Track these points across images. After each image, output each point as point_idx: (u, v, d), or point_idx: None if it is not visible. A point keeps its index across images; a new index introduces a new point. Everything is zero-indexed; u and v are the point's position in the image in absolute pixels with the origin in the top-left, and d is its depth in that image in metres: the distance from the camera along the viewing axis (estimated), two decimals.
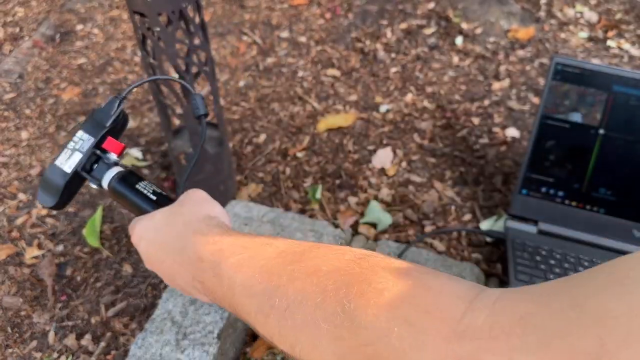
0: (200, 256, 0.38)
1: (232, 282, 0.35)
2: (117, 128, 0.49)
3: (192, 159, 0.50)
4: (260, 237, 0.37)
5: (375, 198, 1.01)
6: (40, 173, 1.12)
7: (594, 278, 0.22)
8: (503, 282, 0.85)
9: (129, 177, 0.47)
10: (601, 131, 0.85)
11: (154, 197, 0.47)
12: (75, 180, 0.47)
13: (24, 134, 1.23)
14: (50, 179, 0.45)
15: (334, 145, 1.15)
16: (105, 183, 0.47)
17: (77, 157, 0.46)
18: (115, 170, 0.47)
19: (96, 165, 0.47)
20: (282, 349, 0.31)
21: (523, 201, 0.90)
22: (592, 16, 1.55)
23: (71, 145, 0.47)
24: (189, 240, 0.40)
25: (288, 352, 0.31)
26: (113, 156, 0.48)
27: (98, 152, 0.47)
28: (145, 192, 0.47)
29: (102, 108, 0.48)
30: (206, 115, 0.52)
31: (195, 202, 0.44)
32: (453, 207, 0.98)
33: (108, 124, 0.47)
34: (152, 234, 0.43)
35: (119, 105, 0.48)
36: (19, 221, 1.02)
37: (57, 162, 0.46)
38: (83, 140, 0.46)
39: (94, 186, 0.48)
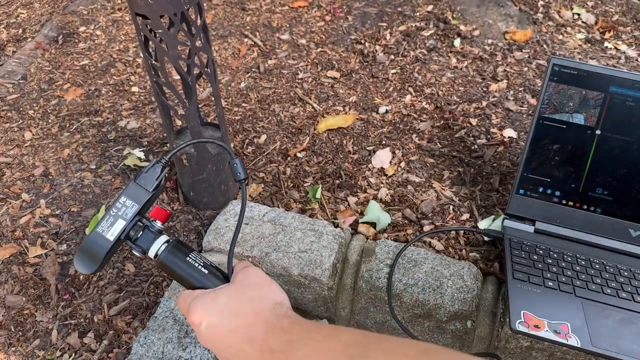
0: (270, 347, 0.39)
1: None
2: (157, 193, 0.48)
3: (235, 232, 0.49)
4: (326, 328, 0.38)
5: (375, 198, 1.02)
6: (43, 173, 1.13)
7: None
8: (501, 281, 0.86)
9: (179, 249, 0.46)
10: (598, 132, 0.86)
11: (206, 271, 0.46)
12: (117, 245, 0.46)
13: (27, 135, 1.24)
14: (91, 246, 0.44)
15: (334, 145, 1.16)
16: (152, 253, 0.46)
17: (121, 224, 0.44)
18: (162, 239, 0.46)
19: (141, 233, 0.46)
20: None
21: (520, 201, 0.91)
22: (590, 18, 1.56)
23: (114, 211, 0.45)
24: (260, 330, 0.41)
25: None
26: (158, 224, 0.47)
27: (142, 219, 0.46)
28: (197, 265, 0.46)
29: (145, 173, 0.47)
30: (246, 178, 0.52)
31: (258, 285, 0.45)
32: (451, 207, 0.99)
33: (151, 189, 0.46)
34: (217, 319, 0.42)
35: (162, 170, 0.47)
36: (22, 221, 1.03)
37: (99, 229, 0.45)
38: (126, 206, 0.45)
39: (137, 254, 0.47)
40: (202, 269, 0.46)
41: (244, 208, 0.49)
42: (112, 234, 0.44)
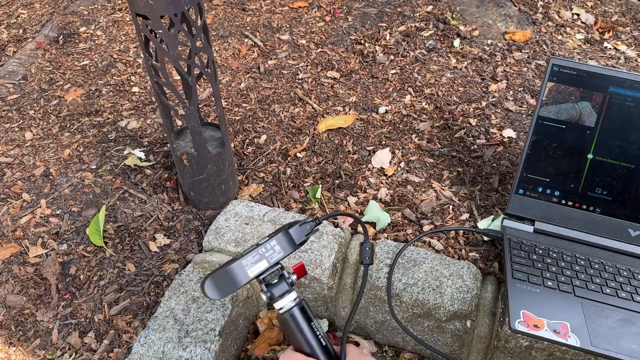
0: None
1: None
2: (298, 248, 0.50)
3: (356, 302, 0.50)
4: None
5: (374, 198, 1.03)
6: (43, 173, 1.14)
7: None
8: (500, 281, 0.86)
9: (306, 312, 0.47)
10: (597, 132, 0.87)
11: (324, 343, 0.46)
12: (250, 281, 0.47)
13: (28, 135, 1.24)
14: (230, 276, 0.45)
15: (334, 145, 1.16)
16: (280, 305, 0.46)
17: (263, 265, 0.46)
18: (293, 296, 0.47)
19: (276, 281, 0.47)
20: None
21: (520, 201, 0.91)
22: (589, 18, 1.56)
23: (262, 251, 0.46)
24: None
25: None
26: (293, 277, 0.48)
27: (282, 268, 0.47)
28: (317, 334, 0.46)
29: (299, 227, 0.48)
30: (371, 264, 0.55)
31: None
32: (451, 207, 0.99)
33: (298, 243, 0.48)
34: None
35: (312, 230, 0.49)
36: (23, 220, 1.03)
37: (244, 262, 0.46)
38: (274, 251, 0.46)
39: (264, 298, 0.47)
40: (322, 339, 0.46)
41: (361, 292, 0.54)
42: (252, 272, 0.45)
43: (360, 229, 0.96)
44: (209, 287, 0.45)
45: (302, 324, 0.46)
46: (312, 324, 0.46)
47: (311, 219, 0.51)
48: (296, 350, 0.46)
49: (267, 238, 0.48)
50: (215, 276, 0.46)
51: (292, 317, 0.46)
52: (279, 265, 0.47)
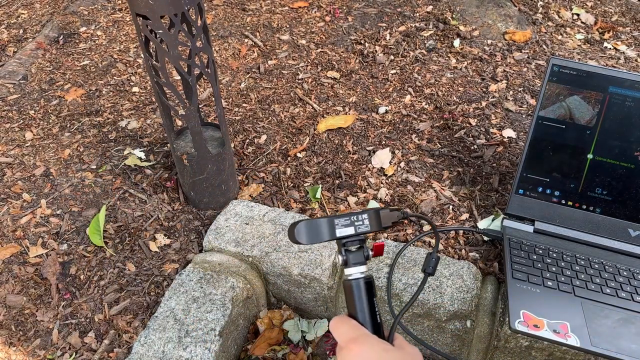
0: None
1: None
2: (378, 230, 0.53)
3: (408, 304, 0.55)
4: None
5: (374, 198, 1.03)
6: (43, 173, 1.14)
7: None
8: (500, 281, 0.86)
9: (372, 286, 0.49)
10: (597, 132, 0.87)
11: (378, 320, 0.49)
12: (332, 240, 0.50)
13: (28, 135, 1.24)
14: (321, 227, 0.49)
15: (334, 145, 1.16)
16: (350, 271, 0.49)
17: (350, 231, 0.49)
18: (365, 268, 0.50)
19: (354, 249, 0.50)
20: None
21: (520, 201, 0.91)
22: (589, 18, 1.56)
23: (353, 218, 0.50)
24: None
25: None
26: (370, 252, 0.51)
27: (364, 240, 0.51)
28: (376, 308, 0.49)
29: (390, 212, 0.52)
30: (431, 274, 0.60)
31: None
32: (451, 207, 0.99)
33: (385, 226, 0.51)
34: None
35: (399, 219, 0.53)
36: (23, 220, 1.03)
37: (336, 221, 0.49)
38: (363, 223, 0.50)
39: (339, 261, 0.50)
40: (377, 317, 0.49)
41: (416, 296, 0.57)
42: (340, 232, 0.49)
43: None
44: (300, 231, 0.48)
45: (363, 295, 0.48)
46: (374, 300, 0.49)
47: (399, 210, 0.55)
48: (350, 316, 0.49)
49: (359, 210, 0.51)
50: (307, 223, 0.49)
51: (357, 286, 0.48)
52: (362, 237, 0.50)
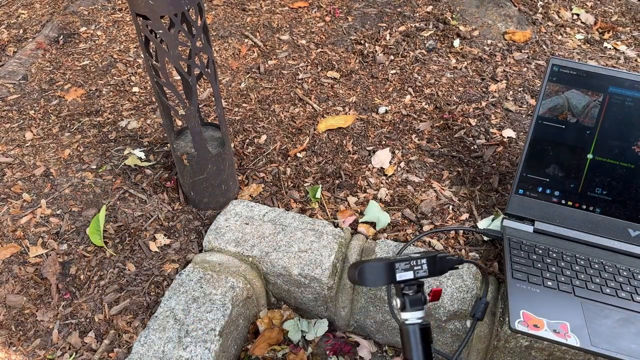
0: None
1: None
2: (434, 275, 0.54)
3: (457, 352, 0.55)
4: None
5: (374, 198, 1.03)
6: (43, 173, 1.14)
7: None
8: (500, 281, 0.86)
9: (429, 332, 0.50)
10: (597, 132, 0.87)
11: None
12: (391, 283, 0.51)
13: (28, 135, 1.24)
14: (384, 271, 0.49)
15: (334, 145, 1.16)
16: (407, 316, 0.50)
17: (409, 275, 0.50)
18: (421, 314, 0.50)
19: (411, 293, 0.50)
20: None
21: (519, 201, 0.91)
22: (589, 18, 1.56)
23: (412, 263, 0.51)
24: None
25: None
26: (427, 297, 0.52)
27: (421, 286, 0.51)
28: (432, 354, 0.50)
29: (447, 259, 0.53)
30: (480, 320, 0.59)
31: None
32: (450, 207, 0.99)
33: (440, 272, 0.52)
34: None
35: (452, 267, 0.53)
36: (23, 220, 1.03)
37: (397, 265, 0.50)
38: (422, 268, 0.50)
39: (395, 304, 0.51)
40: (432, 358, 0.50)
41: (464, 345, 0.58)
42: (400, 276, 0.49)
43: (360, 228, 0.96)
44: (362, 275, 0.49)
45: (419, 342, 0.49)
46: (430, 345, 0.50)
47: (456, 256, 0.55)
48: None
49: (418, 254, 0.52)
50: (369, 267, 0.49)
51: (414, 332, 0.49)
52: (420, 282, 0.51)
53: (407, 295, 0.50)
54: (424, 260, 0.51)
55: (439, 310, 0.82)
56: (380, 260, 0.50)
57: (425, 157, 1.12)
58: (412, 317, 0.50)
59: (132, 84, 1.41)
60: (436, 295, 0.55)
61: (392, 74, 1.38)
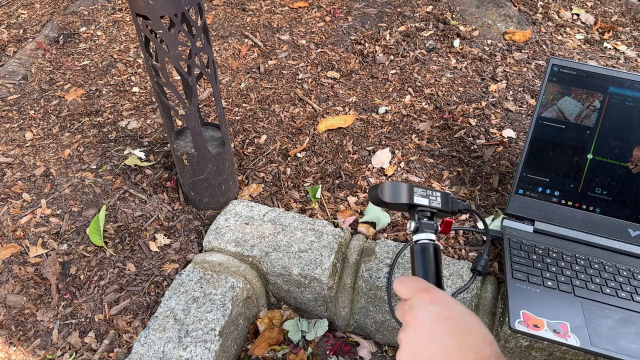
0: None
1: None
2: (447, 215, 0.57)
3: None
4: None
5: None
6: (43, 173, 1.14)
7: None
8: (500, 281, 0.86)
9: (439, 253, 0.52)
10: (597, 132, 0.87)
11: (443, 286, 0.51)
12: (407, 207, 0.54)
13: (28, 135, 1.24)
14: (404, 190, 0.53)
15: (334, 145, 1.16)
16: (420, 237, 0.52)
17: (425, 202, 0.53)
18: (433, 237, 0.53)
19: (425, 219, 0.53)
20: None
21: (519, 201, 0.91)
22: (589, 18, 1.56)
23: (429, 192, 0.55)
24: (468, 347, 0.40)
25: None
26: (438, 227, 0.54)
27: (434, 215, 0.54)
28: (441, 275, 0.51)
29: (457, 201, 0.57)
30: (480, 274, 0.61)
31: (478, 323, 0.44)
32: None
33: (451, 211, 0.55)
34: (443, 327, 0.41)
35: (463, 210, 0.57)
36: (23, 220, 1.03)
37: (415, 189, 0.54)
38: (435, 200, 0.54)
39: (410, 226, 0.53)
40: (442, 281, 0.52)
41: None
42: (417, 200, 0.53)
43: (360, 228, 0.96)
44: (383, 190, 0.52)
45: (432, 259, 0.51)
46: (439, 266, 0.51)
47: (467, 204, 0.59)
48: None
49: (433, 189, 0.56)
50: (391, 184, 0.53)
51: (427, 249, 0.51)
52: (433, 211, 0.54)
53: (421, 220, 0.53)
54: (438, 194, 0.55)
55: None
56: (400, 182, 0.54)
57: (425, 157, 1.12)
58: (426, 237, 0.51)
59: (132, 84, 1.41)
60: (447, 226, 0.57)
61: (392, 74, 1.38)
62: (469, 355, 0.39)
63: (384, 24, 1.57)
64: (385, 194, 0.52)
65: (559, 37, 1.49)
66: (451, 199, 0.56)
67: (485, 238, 0.93)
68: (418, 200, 0.53)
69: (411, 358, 0.41)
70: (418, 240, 0.51)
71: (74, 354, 0.84)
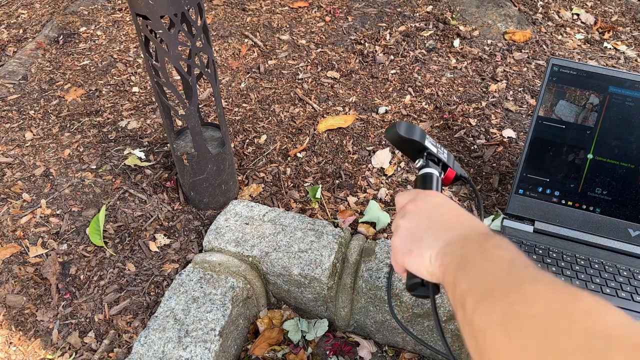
0: (466, 236, 0.41)
1: (492, 256, 0.37)
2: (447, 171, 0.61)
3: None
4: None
5: (374, 198, 1.03)
6: (43, 173, 1.14)
7: None
8: None
9: (441, 184, 0.57)
10: (597, 132, 0.87)
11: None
12: (418, 146, 0.58)
13: (28, 135, 1.24)
14: (418, 131, 0.57)
15: (334, 145, 1.16)
16: (426, 170, 0.57)
17: (434, 149, 0.58)
18: (437, 171, 0.58)
19: (430, 162, 0.58)
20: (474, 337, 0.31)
21: (519, 201, 0.91)
22: (589, 18, 1.56)
23: (438, 145, 0.59)
24: (464, 221, 0.44)
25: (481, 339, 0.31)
26: (442, 174, 0.59)
27: (440, 163, 0.59)
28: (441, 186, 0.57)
29: (462, 169, 0.62)
30: (467, 179, 0.65)
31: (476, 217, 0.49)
32: None
33: (455, 169, 0.59)
34: (442, 209, 0.46)
35: (463, 178, 0.61)
36: (23, 220, 1.03)
37: (427, 136, 0.58)
38: (443, 152, 0.59)
39: (419, 163, 0.58)
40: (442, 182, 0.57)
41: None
42: (428, 143, 0.57)
43: (360, 228, 0.96)
44: (401, 125, 0.56)
45: (433, 184, 0.55)
46: (441, 190, 0.56)
47: (467, 176, 0.63)
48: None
49: (444, 148, 0.59)
50: (408, 123, 0.57)
51: (432, 177, 0.56)
52: (439, 160, 0.58)
53: (429, 161, 0.57)
54: (445, 150, 0.59)
55: (439, 310, 0.82)
56: (413, 125, 0.58)
57: None
58: (429, 170, 0.56)
59: (132, 84, 1.41)
60: (449, 178, 0.61)
61: (392, 74, 1.38)
62: (467, 228, 0.42)
63: (384, 24, 1.57)
64: (401, 129, 0.56)
65: (559, 37, 1.49)
66: (456, 162, 0.60)
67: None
68: (429, 144, 0.57)
69: (408, 237, 0.45)
70: (426, 171, 0.56)
71: (74, 354, 0.84)
